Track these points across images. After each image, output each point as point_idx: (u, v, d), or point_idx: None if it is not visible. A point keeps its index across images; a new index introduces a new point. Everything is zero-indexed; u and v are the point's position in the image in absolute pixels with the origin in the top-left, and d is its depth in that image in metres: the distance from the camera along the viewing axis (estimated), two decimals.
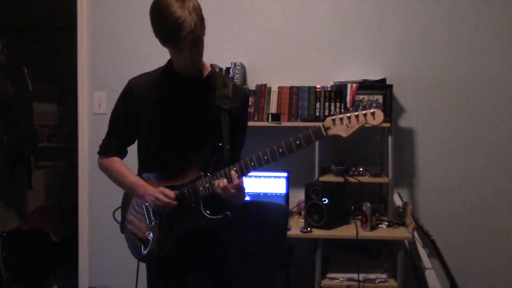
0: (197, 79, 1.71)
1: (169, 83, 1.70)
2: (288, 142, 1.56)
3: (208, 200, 1.66)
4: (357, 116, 1.50)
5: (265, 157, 1.57)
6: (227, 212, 1.64)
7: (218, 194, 1.61)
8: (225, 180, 1.59)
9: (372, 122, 1.50)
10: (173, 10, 1.46)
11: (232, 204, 1.66)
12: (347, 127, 1.50)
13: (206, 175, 1.64)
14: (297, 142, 1.54)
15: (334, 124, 1.52)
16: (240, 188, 1.61)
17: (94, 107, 3.10)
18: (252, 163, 1.59)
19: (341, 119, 1.51)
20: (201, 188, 1.63)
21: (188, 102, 1.70)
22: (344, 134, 1.51)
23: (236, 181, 1.58)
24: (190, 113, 1.69)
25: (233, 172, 1.59)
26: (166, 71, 1.72)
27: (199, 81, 1.72)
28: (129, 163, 1.77)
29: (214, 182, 1.61)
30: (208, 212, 1.64)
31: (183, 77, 1.69)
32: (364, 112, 1.49)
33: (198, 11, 1.52)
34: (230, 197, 1.61)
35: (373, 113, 1.49)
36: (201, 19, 1.54)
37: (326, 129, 1.52)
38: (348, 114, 1.51)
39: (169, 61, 1.73)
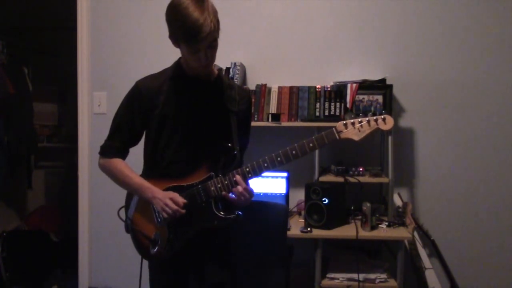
0: (206, 81, 1.72)
1: (179, 84, 1.70)
2: (301, 144, 1.59)
3: (219, 200, 1.67)
4: (368, 121, 1.57)
5: (279, 159, 1.60)
6: (239, 212, 1.65)
7: (231, 200, 1.64)
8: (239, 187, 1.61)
9: (383, 127, 1.58)
10: (192, 10, 1.48)
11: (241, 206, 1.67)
12: (359, 131, 1.57)
13: (217, 175, 1.65)
14: (311, 144, 1.59)
15: (346, 127, 1.58)
16: (251, 191, 1.65)
17: (94, 107, 3.09)
18: (265, 164, 1.61)
19: (352, 123, 1.58)
20: (212, 188, 1.64)
21: (199, 104, 1.70)
22: (356, 138, 1.58)
23: (243, 185, 1.61)
24: (201, 114, 1.70)
25: (238, 177, 1.61)
26: (176, 73, 1.71)
27: (209, 83, 1.73)
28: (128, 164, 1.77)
29: (226, 182, 1.63)
30: (222, 212, 1.65)
31: (193, 79, 1.70)
32: (375, 117, 1.57)
33: (215, 13, 1.55)
34: (244, 202, 1.64)
35: (384, 119, 1.57)
36: (217, 22, 1.56)
37: (339, 132, 1.58)
38: (359, 119, 1.57)
39: (178, 63, 1.73)
